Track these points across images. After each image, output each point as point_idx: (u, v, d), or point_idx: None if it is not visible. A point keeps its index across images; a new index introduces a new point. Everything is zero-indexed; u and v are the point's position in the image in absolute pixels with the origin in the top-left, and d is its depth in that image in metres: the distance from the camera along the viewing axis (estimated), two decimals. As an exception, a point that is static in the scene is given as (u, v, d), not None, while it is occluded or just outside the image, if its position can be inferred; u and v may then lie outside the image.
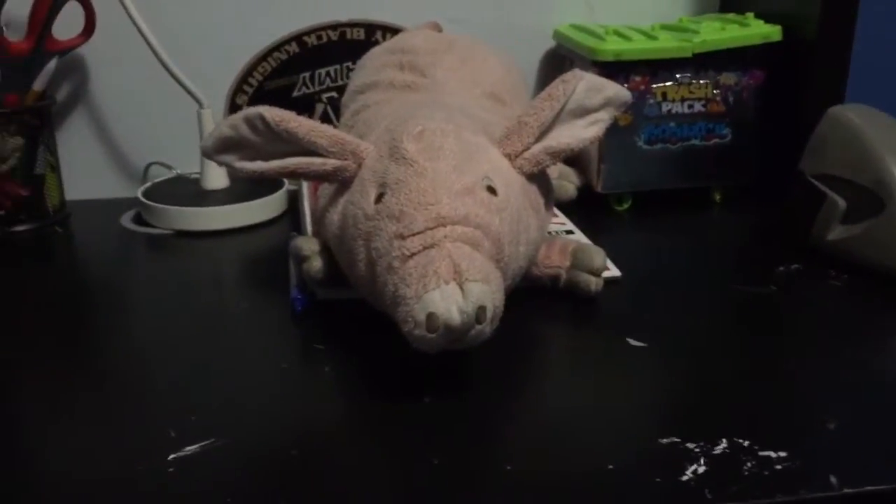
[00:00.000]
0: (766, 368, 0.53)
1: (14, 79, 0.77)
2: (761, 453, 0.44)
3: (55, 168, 0.81)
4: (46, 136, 0.80)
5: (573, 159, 0.82)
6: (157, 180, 0.85)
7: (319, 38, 0.86)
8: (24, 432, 0.48)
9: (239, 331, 0.59)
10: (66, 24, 0.78)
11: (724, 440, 0.45)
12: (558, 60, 0.89)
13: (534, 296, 0.61)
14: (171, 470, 0.43)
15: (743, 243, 0.75)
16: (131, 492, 0.42)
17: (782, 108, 0.80)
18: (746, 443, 0.45)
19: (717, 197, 0.83)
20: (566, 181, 0.81)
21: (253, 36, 0.85)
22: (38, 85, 0.78)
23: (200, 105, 0.80)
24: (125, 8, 0.75)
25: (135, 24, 0.76)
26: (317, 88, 0.87)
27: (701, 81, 0.78)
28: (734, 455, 0.44)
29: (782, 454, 0.44)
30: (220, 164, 0.57)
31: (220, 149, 0.56)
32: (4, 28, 0.76)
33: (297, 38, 0.85)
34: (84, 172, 0.87)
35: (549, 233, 0.66)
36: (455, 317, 0.45)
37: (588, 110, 0.57)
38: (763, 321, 0.60)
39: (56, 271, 0.71)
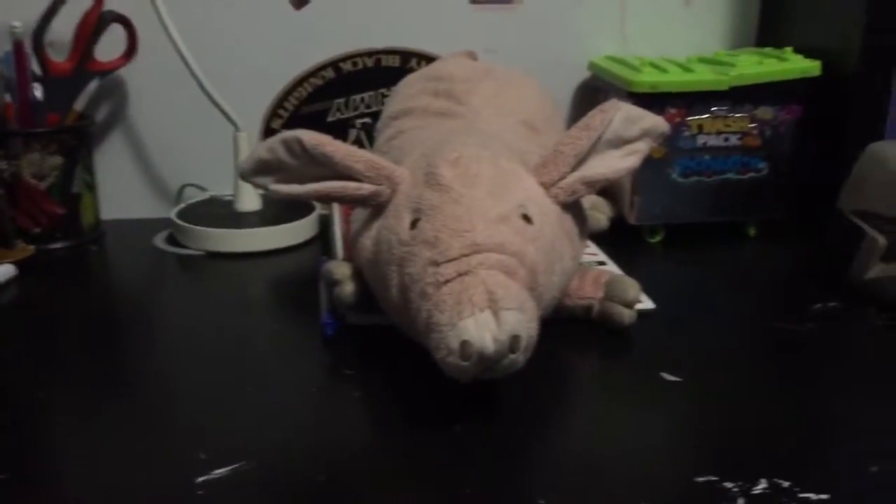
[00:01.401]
0: (804, 407, 0.52)
1: (56, 98, 0.78)
2: (802, 495, 0.43)
3: (91, 187, 0.82)
4: (84, 156, 0.81)
5: (606, 190, 0.80)
6: (190, 201, 0.86)
7: (355, 64, 0.87)
8: (53, 451, 0.48)
9: (269, 354, 0.59)
10: (109, 46, 0.79)
11: (764, 480, 0.44)
12: (593, 92, 0.89)
13: (566, 327, 0.60)
14: (200, 493, 0.43)
15: (779, 279, 0.74)
16: (159, 513, 0.42)
17: (820, 142, 0.79)
18: (787, 484, 0.43)
19: (752, 231, 0.82)
20: (598, 212, 0.80)
21: (290, 61, 0.86)
22: (79, 105, 0.79)
23: (236, 128, 0.80)
24: (167, 31, 0.76)
25: (175, 47, 0.77)
26: (351, 114, 0.88)
27: (737, 115, 0.78)
28: (774, 496, 0.42)
29: (824, 497, 0.42)
30: (257, 186, 0.57)
31: (257, 171, 0.56)
32: (48, 48, 0.77)
33: (334, 63, 0.86)
34: (119, 192, 0.87)
35: (582, 264, 0.66)
36: (489, 345, 0.44)
37: (625, 141, 0.57)
38: (801, 359, 0.58)
39: (89, 289, 0.72)
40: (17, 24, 0.74)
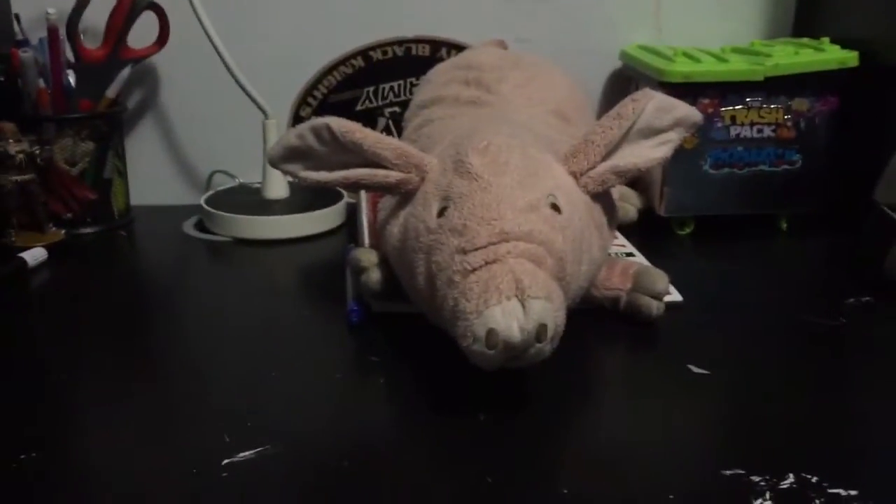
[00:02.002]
0: (835, 403, 0.51)
1: (89, 85, 0.79)
2: (831, 490, 0.42)
3: (122, 173, 0.83)
4: (116, 142, 0.81)
5: (635, 181, 0.80)
6: (219, 188, 0.86)
7: (385, 53, 0.87)
8: (81, 432, 0.48)
9: (295, 340, 0.59)
10: (141, 34, 0.80)
11: (792, 475, 0.43)
12: (624, 81, 0.88)
13: (593, 317, 0.60)
14: (224, 475, 0.43)
15: (811, 273, 0.73)
16: (185, 495, 0.42)
17: (856, 135, 0.78)
18: (815, 479, 0.43)
19: (784, 225, 0.81)
20: (627, 203, 0.79)
21: (319, 50, 0.86)
22: (112, 92, 0.80)
23: (266, 116, 0.81)
24: (199, 20, 0.77)
25: (207, 35, 0.77)
26: (380, 103, 0.88)
27: (772, 106, 0.76)
28: (802, 491, 0.42)
29: (853, 492, 0.42)
30: (286, 172, 0.57)
31: (286, 157, 0.57)
32: (82, 35, 0.78)
33: (363, 52, 0.86)
34: (150, 178, 0.88)
35: (610, 254, 0.65)
36: (515, 334, 0.44)
37: (657, 130, 0.56)
38: (832, 354, 0.57)
39: (119, 274, 0.73)
40: (51, 10, 0.75)
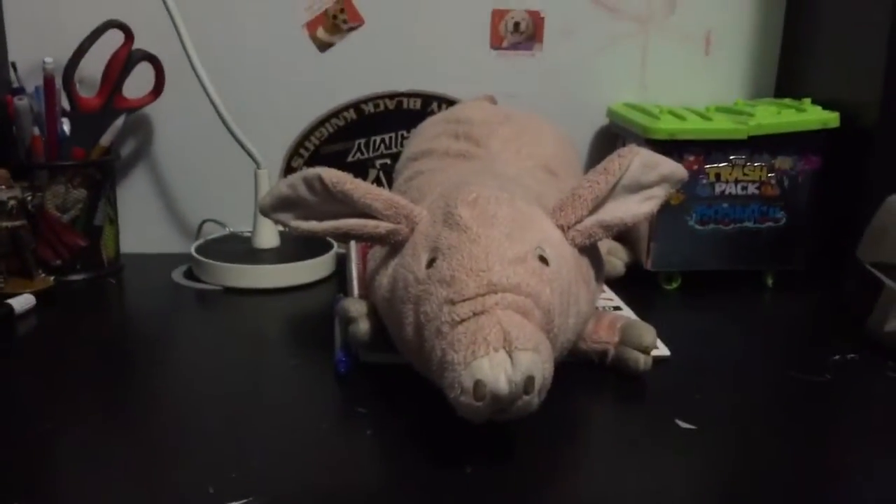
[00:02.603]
0: (820, 459, 0.51)
1: (83, 133, 0.80)
2: (817, 548, 0.42)
3: (113, 221, 0.83)
4: (108, 190, 0.82)
5: (622, 236, 0.81)
6: (210, 237, 0.87)
7: (377, 106, 0.88)
8: (65, 482, 0.48)
9: (282, 389, 0.59)
10: (136, 83, 0.81)
11: (779, 531, 0.43)
12: (611, 137, 0.89)
13: (580, 371, 0.60)
14: (207, 526, 0.43)
15: (796, 329, 0.73)
16: (167, 546, 0.41)
17: (838, 193, 0.79)
18: (802, 535, 0.43)
19: (770, 280, 0.82)
20: (615, 257, 0.80)
21: (312, 102, 0.87)
22: (105, 140, 0.81)
23: (258, 165, 0.81)
24: (194, 71, 0.78)
25: (202, 85, 0.78)
26: (371, 155, 0.89)
27: (755, 164, 0.78)
28: (789, 548, 0.42)
29: (840, 550, 0.42)
30: (277, 221, 0.58)
31: (277, 207, 0.57)
32: (78, 85, 0.79)
33: (355, 105, 0.88)
34: (140, 226, 0.89)
35: (598, 307, 0.66)
36: (503, 386, 0.44)
37: (643, 186, 0.57)
38: (817, 410, 0.58)
39: (107, 322, 0.72)
40: (48, 59, 0.76)
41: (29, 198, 0.75)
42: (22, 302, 0.71)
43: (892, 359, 0.64)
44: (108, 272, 0.82)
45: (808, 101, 0.81)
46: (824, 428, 0.55)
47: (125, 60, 0.79)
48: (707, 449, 0.52)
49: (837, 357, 0.65)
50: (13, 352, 0.65)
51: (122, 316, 0.75)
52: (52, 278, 0.77)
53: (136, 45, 0.80)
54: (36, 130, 0.77)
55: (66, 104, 0.79)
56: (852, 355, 0.65)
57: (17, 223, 0.74)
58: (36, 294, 0.73)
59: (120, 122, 0.81)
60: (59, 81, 0.78)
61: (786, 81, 0.91)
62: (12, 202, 0.73)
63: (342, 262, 0.83)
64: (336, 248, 0.84)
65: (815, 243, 0.81)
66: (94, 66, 0.79)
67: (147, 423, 0.54)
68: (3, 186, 0.73)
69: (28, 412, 0.55)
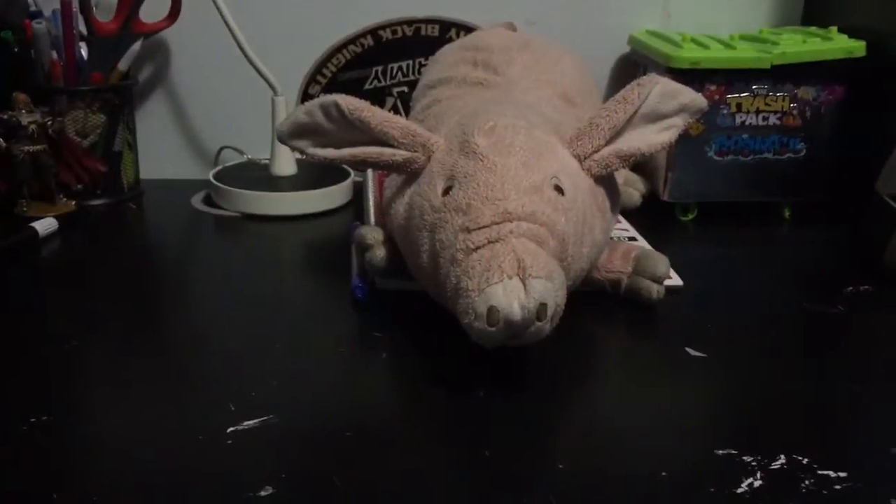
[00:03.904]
0: (829, 388, 0.52)
1: (100, 58, 0.79)
2: (820, 472, 0.43)
3: (132, 147, 0.84)
4: (126, 115, 0.82)
5: (640, 166, 0.81)
6: (228, 164, 0.87)
7: (394, 32, 0.87)
8: (89, 398, 0.49)
9: (300, 314, 0.60)
10: (153, 7, 0.81)
11: (783, 456, 0.44)
12: (632, 66, 0.88)
13: (594, 300, 0.61)
14: (229, 442, 0.44)
15: (811, 261, 0.73)
16: (190, 461, 0.43)
17: (861, 125, 0.78)
18: (805, 460, 0.44)
19: (787, 213, 0.81)
20: (632, 188, 0.80)
21: (329, 28, 0.86)
22: (123, 65, 0.81)
23: (275, 92, 0.81)
24: (210, -6, 0.77)
25: (219, 11, 0.78)
26: (388, 82, 0.89)
27: (778, 94, 0.77)
28: (792, 471, 0.43)
29: (842, 474, 0.43)
30: (294, 149, 0.58)
31: (294, 134, 0.57)
32: (94, 8, 0.78)
33: (373, 31, 0.87)
34: (159, 152, 0.89)
35: (612, 238, 0.66)
36: (516, 311, 0.45)
37: (662, 115, 0.57)
38: (829, 341, 0.58)
39: (127, 246, 0.74)
40: (65, -18, 0.76)
41: (49, 122, 0.75)
42: (45, 225, 0.72)
43: (907, 292, 0.64)
44: (128, 197, 0.83)
45: (834, 29, 0.79)
46: (834, 357, 0.56)
47: (141, -17, 0.79)
48: (716, 376, 0.53)
49: (851, 289, 0.65)
50: (38, 273, 0.67)
51: (143, 240, 0.77)
52: (73, 202, 0.78)
53: (152, -32, 0.79)
54: (54, 54, 0.77)
55: (83, 28, 0.79)
56: (866, 287, 0.65)
57: (39, 147, 0.75)
58: (58, 218, 0.74)
59: (137, 46, 0.81)
60: (76, 5, 0.77)
61: (813, 9, 0.88)
62: (33, 126, 0.74)
63: (359, 189, 0.83)
64: (353, 175, 0.84)
65: (835, 175, 0.80)
66: (110, -11, 0.79)
67: (169, 344, 0.56)
68: (24, 111, 0.74)
69: (53, 331, 0.57)
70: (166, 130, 0.89)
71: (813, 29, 0.82)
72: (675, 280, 0.64)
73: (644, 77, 0.56)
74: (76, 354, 0.53)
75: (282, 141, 0.58)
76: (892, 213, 0.66)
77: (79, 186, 0.79)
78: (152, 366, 0.52)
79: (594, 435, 0.46)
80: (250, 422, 0.46)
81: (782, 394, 0.51)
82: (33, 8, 0.80)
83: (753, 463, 0.43)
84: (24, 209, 0.76)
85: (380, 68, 0.88)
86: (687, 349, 0.55)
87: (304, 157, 0.58)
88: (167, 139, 0.90)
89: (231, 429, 0.45)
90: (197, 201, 0.83)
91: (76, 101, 0.78)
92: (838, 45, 0.76)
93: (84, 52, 0.79)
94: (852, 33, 0.78)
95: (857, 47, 0.76)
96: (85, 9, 0.77)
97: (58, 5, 0.77)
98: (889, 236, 0.66)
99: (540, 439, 0.46)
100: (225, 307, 0.61)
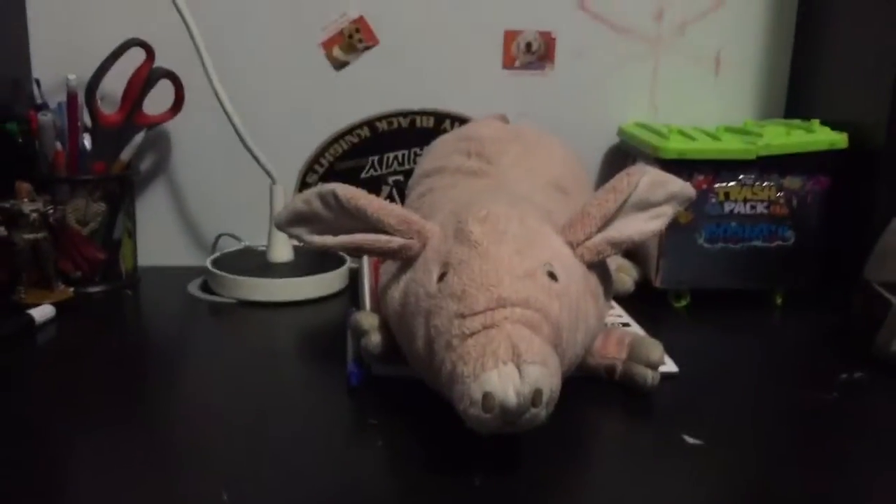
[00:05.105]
0: (826, 477, 0.51)
1: (104, 148, 0.81)
2: (821, 562, 0.42)
3: (132, 234, 0.85)
4: (127, 204, 0.84)
5: (632, 253, 0.82)
6: (225, 251, 0.88)
7: (390, 123, 0.90)
8: (80, 489, 0.49)
9: (295, 400, 0.60)
10: (156, 99, 0.83)
11: (782, 545, 0.43)
12: (622, 157, 0.90)
13: (589, 386, 0.61)
14: (221, 532, 0.43)
15: (804, 348, 0.74)
16: (181, 551, 0.42)
17: (847, 213, 0.80)
18: (805, 550, 0.43)
19: (779, 300, 0.82)
20: (624, 274, 0.81)
21: (327, 119, 0.89)
22: (125, 155, 0.83)
23: (273, 181, 0.83)
24: (213, 88, 0.80)
25: (220, 102, 0.80)
26: (384, 171, 0.91)
27: (765, 184, 0.79)
28: (792, 562, 0.42)
29: (843, 565, 0.42)
30: (292, 236, 0.59)
31: (292, 221, 0.58)
32: (99, 101, 0.81)
33: (369, 122, 0.89)
34: (158, 240, 0.90)
35: (606, 324, 0.66)
36: (511, 398, 0.45)
37: (651, 204, 0.58)
38: (824, 428, 0.58)
39: (124, 333, 0.74)
40: (72, 76, 0.78)
41: (50, 211, 0.76)
42: (42, 312, 0.72)
43: (900, 378, 0.64)
44: (126, 284, 0.84)
45: (816, 122, 0.82)
46: (830, 446, 0.56)
47: (146, 78, 0.81)
48: (714, 465, 0.52)
49: (844, 376, 0.65)
50: (33, 361, 0.67)
51: (139, 327, 0.77)
52: (71, 290, 0.78)
53: (157, 62, 0.82)
54: (58, 145, 0.79)
55: (87, 120, 0.81)
56: (859, 374, 0.66)
57: (39, 235, 0.76)
58: (56, 305, 0.74)
59: (140, 137, 0.83)
60: (81, 98, 0.79)
61: (795, 103, 0.92)
62: (34, 215, 0.75)
63: (355, 276, 0.84)
64: (349, 262, 0.85)
65: (824, 263, 0.81)
66: (115, 82, 0.81)
67: (162, 433, 0.55)
68: (26, 199, 0.75)
69: (46, 419, 0.56)
70: (166, 218, 0.91)
71: (796, 121, 0.84)
72: (669, 366, 0.64)
73: (633, 167, 0.58)
74: (68, 444, 0.53)
75: (280, 228, 0.59)
76: (881, 300, 0.67)
77: (77, 274, 0.80)
78: (144, 455, 0.52)
79: (591, 524, 0.46)
80: (243, 511, 0.45)
81: (779, 482, 0.51)
82: (39, 100, 0.82)
83: (753, 552, 0.43)
84: (22, 296, 0.76)
85: (376, 158, 0.90)
86: (684, 437, 0.55)
87: (302, 244, 0.59)
88: (166, 226, 0.91)
89: (223, 518, 0.45)
90: (193, 288, 0.83)
91: (78, 191, 0.79)
92: (821, 136, 0.79)
93: (87, 143, 0.81)
94: (834, 125, 0.80)
95: (840, 139, 0.78)
96: (90, 101, 0.80)
97: (63, 97, 0.79)
98: (878, 323, 0.66)
99: (536, 529, 0.45)
100: (219, 395, 0.61)
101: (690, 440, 0.55)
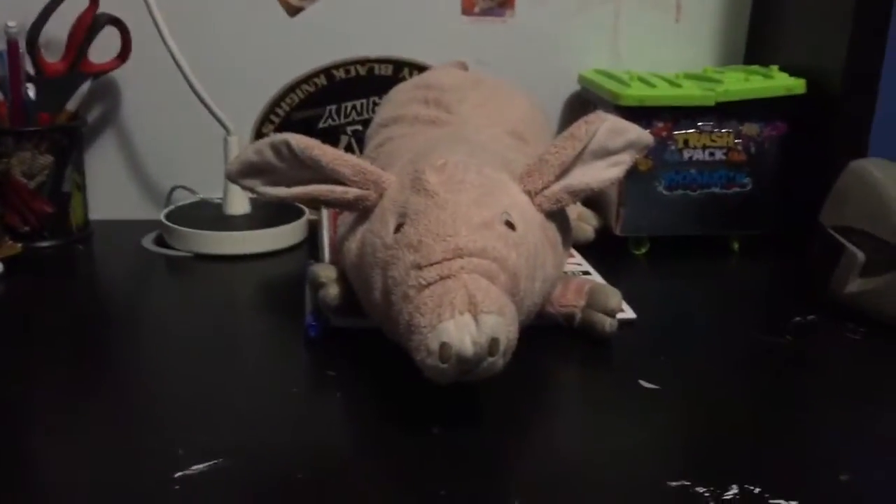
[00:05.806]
0: (779, 417, 0.52)
1: (48, 98, 0.79)
2: (772, 501, 0.43)
3: (81, 187, 0.83)
4: (75, 156, 0.81)
5: (592, 201, 0.82)
6: (180, 203, 0.86)
7: (348, 72, 0.88)
8: (33, 445, 0.48)
9: (252, 354, 0.60)
10: (102, 48, 0.80)
11: (735, 486, 0.44)
12: (582, 104, 0.90)
13: (548, 334, 0.61)
14: (176, 487, 0.43)
15: (759, 292, 0.75)
16: (136, 507, 0.42)
17: (804, 159, 0.80)
18: (757, 490, 0.44)
19: (735, 245, 0.83)
20: (584, 223, 0.81)
21: (283, 67, 0.87)
22: (71, 105, 0.80)
23: (228, 132, 0.81)
24: (161, 35, 0.77)
25: (169, 50, 0.78)
26: (342, 121, 0.89)
27: (723, 130, 0.79)
28: (744, 501, 0.43)
29: (793, 503, 0.43)
30: (244, 188, 0.58)
31: (244, 173, 0.57)
32: (42, 49, 0.78)
33: (326, 70, 0.87)
34: (109, 193, 0.88)
35: (566, 272, 0.66)
36: (468, 347, 0.45)
37: (610, 152, 0.58)
38: (777, 371, 0.59)
39: (75, 288, 0.72)
40: (12, 23, 0.75)
41: (-6, 164, 0.74)
42: (-11, 269, 0.70)
43: (852, 320, 0.66)
44: (77, 238, 0.82)
45: (775, 68, 0.82)
46: (783, 387, 0.57)
47: (90, 24, 0.78)
48: (669, 408, 0.53)
49: (798, 319, 0.66)
50: (-19, 318, 0.65)
51: (92, 283, 0.75)
52: (19, 245, 0.76)
53: (102, 8, 0.79)
54: (0, 96, 0.76)
55: (30, 69, 0.78)
56: (813, 317, 0.67)
57: (-17, 190, 0.74)
58: (4, 261, 0.72)
59: (86, 86, 0.80)
60: (23, 45, 0.76)
61: (755, 49, 0.91)
62: (-23, 168, 0.73)
63: (314, 228, 0.83)
64: (308, 214, 0.84)
65: (781, 209, 0.82)
66: (58, 29, 0.78)
67: (115, 388, 0.54)
68: (-32, 152, 0.73)
69: (-3, 378, 0.55)
70: (117, 171, 0.88)
71: (755, 67, 0.84)
72: (628, 313, 0.65)
73: (591, 115, 0.57)
74: (19, 400, 0.52)
75: (231, 180, 0.58)
76: (835, 244, 0.67)
77: (26, 228, 0.78)
78: (98, 410, 0.51)
79: (549, 469, 0.46)
80: (199, 466, 0.45)
81: (734, 424, 0.52)
82: (-21, 49, 0.79)
83: (706, 494, 0.44)
84: (-32, 252, 0.74)
85: (333, 107, 0.89)
86: (640, 381, 0.56)
87: (256, 195, 0.58)
88: (118, 179, 0.89)
89: (179, 474, 0.44)
90: (148, 242, 0.81)
91: (23, 143, 0.77)
92: (779, 82, 0.79)
93: (31, 93, 0.78)
94: (792, 71, 0.80)
95: (797, 85, 0.78)
96: (33, 49, 0.77)
97: (3, 45, 0.76)
98: (833, 267, 0.67)
99: (495, 477, 0.45)
100: (175, 349, 0.60)
101: (647, 384, 0.55)
